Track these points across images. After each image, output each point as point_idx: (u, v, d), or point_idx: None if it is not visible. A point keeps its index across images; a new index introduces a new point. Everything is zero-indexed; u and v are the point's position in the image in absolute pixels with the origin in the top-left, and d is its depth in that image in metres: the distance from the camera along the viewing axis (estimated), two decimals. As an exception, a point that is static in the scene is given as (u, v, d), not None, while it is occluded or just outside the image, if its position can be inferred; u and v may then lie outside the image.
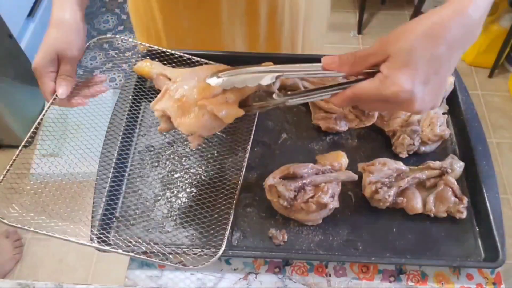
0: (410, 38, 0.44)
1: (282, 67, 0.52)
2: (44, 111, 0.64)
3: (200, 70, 0.61)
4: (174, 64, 0.75)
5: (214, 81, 0.53)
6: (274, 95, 0.54)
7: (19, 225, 0.56)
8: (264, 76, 0.52)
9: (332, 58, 0.50)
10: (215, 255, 0.58)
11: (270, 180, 0.61)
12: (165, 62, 0.74)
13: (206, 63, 0.75)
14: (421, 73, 0.45)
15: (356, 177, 0.63)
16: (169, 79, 0.67)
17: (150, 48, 0.76)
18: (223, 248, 0.59)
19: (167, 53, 0.76)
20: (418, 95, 0.45)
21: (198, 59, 0.75)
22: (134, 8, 0.88)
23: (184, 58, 0.76)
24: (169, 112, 0.56)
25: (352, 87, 0.48)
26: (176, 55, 0.76)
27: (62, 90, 0.63)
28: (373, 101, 0.48)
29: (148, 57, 0.75)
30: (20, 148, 0.59)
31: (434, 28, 0.44)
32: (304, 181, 0.61)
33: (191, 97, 0.55)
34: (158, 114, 0.57)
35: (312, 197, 0.60)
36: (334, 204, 0.60)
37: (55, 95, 0.63)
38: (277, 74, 0.52)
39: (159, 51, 0.76)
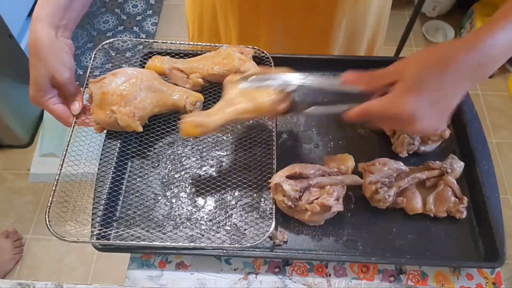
0: (421, 66, 0.49)
1: (305, 76, 0.58)
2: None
3: (147, 73, 0.67)
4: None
5: (243, 85, 0.61)
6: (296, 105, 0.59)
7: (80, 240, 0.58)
8: (289, 83, 0.58)
9: (352, 75, 0.55)
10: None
11: (276, 179, 0.60)
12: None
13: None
14: (424, 98, 0.48)
15: (362, 181, 0.63)
16: (182, 71, 0.68)
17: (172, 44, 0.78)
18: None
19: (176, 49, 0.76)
20: (419, 118, 0.49)
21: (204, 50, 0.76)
22: (196, 8, 0.86)
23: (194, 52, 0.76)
24: (93, 95, 0.65)
25: (364, 104, 0.52)
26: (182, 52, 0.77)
27: (73, 107, 0.65)
28: (381, 118, 0.52)
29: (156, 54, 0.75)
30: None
31: (444, 61, 0.48)
32: (310, 182, 0.61)
33: (110, 98, 0.63)
34: (88, 92, 0.66)
35: (317, 198, 0.59)
36: (339, 207, 0.59)
37: (74, 118, 0.65)
38: (299, 82, 0.58)
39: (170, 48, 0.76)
